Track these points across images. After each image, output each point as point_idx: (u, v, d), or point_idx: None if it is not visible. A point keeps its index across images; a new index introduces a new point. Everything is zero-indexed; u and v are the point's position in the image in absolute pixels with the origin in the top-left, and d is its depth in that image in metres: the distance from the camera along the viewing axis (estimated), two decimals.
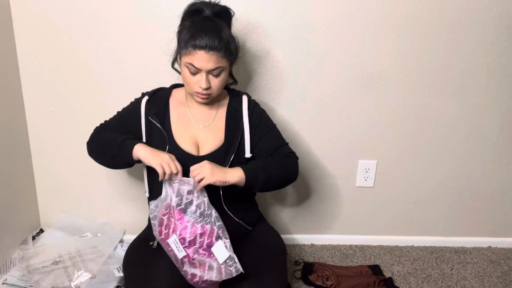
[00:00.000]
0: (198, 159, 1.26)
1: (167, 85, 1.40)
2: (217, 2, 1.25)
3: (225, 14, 1.24)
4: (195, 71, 1.18)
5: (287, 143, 1.36)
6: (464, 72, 1.67)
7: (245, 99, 1.34)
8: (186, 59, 1.18)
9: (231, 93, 1.37)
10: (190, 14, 1.23)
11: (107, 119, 1.37)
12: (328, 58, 1.62)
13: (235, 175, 1.17)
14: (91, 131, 1.69)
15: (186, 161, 1.25)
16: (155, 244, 1.24)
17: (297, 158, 1.34)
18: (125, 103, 1.61)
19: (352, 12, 1.57)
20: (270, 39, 1.59)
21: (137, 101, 1.33)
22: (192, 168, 1.16)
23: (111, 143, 1.24)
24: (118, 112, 1.37)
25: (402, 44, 1.62)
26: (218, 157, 1.26)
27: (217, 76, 1.20)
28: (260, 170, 1.21)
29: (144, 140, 1.29)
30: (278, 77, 1.64)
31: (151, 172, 1.30)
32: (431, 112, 1.72)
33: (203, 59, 1.15)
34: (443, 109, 1.72)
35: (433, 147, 1.77)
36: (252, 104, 1.35)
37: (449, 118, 1.73)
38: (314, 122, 1.71)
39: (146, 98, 1.31)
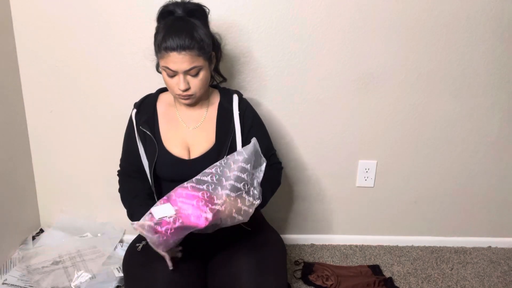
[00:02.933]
0: (189, 163, 1.25)
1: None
2: (189, 0, 1.21)
3: (199, 12, 1.20)
4: (172, 74, 1.16)
5: (275, 151, 1.38)
6: (464, 72, 1.67)
7: (235, 98, 1.31)
8: (162, 62, 1.16)
9: (221, 92, 1.35)
10: (164, 16, 1.20)
11: (121, 156, 1.38)
12: (328, 58, 1.62)
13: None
14: (91, 131, 1.71)
15: (178, 165, 1.25)
16: (140, 248, 1.23)
17: (282, 168, 1.39)
18: (125, 103, 1.61)
19: (352, 12, 1.57)
20: (270, 39, 1.59)
21: (130, 118, 1.32)
22: None
23: (127, 210, 1.29)
24: (123, 143, 1.36)
25: (402, 44, 1.62)
26: (210, 159, 1.24)
27: (195, 76, 1.17)
28: (269, 194, 1.27)
29: (141, 152, 1.29)
30: (278, 77, 1.64)
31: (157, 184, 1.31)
32: (431, 112, 1.72)
33: (176, 60, 1.13)
34: (443, 109, 1.72)
35: (433, 147, 1.77)
36: (244, 104, 1.33)
37: (449, 118, 1.73)
38: (314, 122, 1.71)
39: (134, 111, 1.30)
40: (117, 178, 1.39)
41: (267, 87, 1.65)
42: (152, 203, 1.20)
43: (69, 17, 1.53)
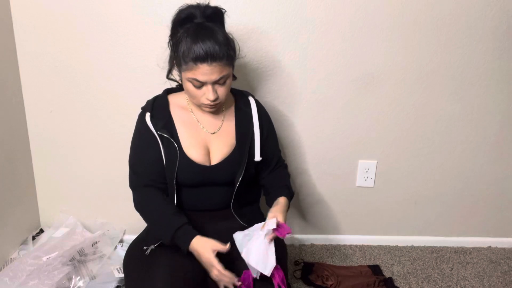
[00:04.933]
0: (210, 169, 1.24)
1: (167, 86, 1.37)
2: (207, 3, 1.17)
3: (218, 15, 1.18)
4: (200, 85, 1.13)
5: (280, 152, 1.43)
6: (464, 72, 1.67)
7: (252, 101, 1.32)
8: (188, 74, 1.12)
9: (234, 93, 1.34)
10: (182, 23, 1.16)
11: (131, 163, 1.26)
12: (328, 58, 1.62)
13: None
14: (91, 130, 1.70)
15: (199, 172, 1.23)
16: (148, 251, 1.21)
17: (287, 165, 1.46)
18: (125, 102, 1.61)
19: (352, 12, 1.57)
20: (270, 39, 1.59)
21: (142, 122, 1.23)
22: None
23: (162, 231, 1.18)
24: (132, 149, 1.26)
25: (402, 44, 1.62)
26: (232, 163, 1.24)
27: (223, 84, 1.16)
28: (293, 195, 1.35)
29: (163, 155, 1.21)
30: (278, 77, 1.64)
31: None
32: (431, 112, 1.72)
33: (206, 72, 1.10)
34: (443, 109, 1.72)
35: (433, 147, 1.77)
36: (260, 107, 1.34)
37: (449, 118, 1.73)
38: (314, 122, 1.71)
39: (148, 114, 1.22)
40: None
41: (267, 87, 1.65)
42: (180, 215, 1.20)
43: (69, 17, 1.53)
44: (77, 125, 1.67)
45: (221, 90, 1.17)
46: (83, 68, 1.59)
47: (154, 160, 1.23)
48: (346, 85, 1.66)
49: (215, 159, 1.25)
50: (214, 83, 1.14)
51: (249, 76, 1.63)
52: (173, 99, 1.29)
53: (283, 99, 1.67)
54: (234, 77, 1.35)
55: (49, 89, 1.62)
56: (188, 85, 1.15)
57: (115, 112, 1.65)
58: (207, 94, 1.14)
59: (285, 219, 1.20)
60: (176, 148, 1.20)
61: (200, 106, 1.21)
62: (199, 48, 1.08)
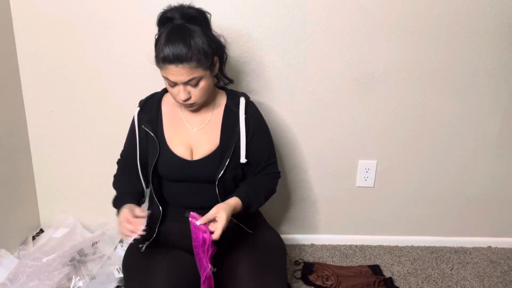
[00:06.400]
0: (192, 163, 1.25)
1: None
2: (189, 4, 1.17)
3: (201, 17, 1.17)
4: (172, 84, 1.16)
5: (276, 159, 1.38)
6: (464, 72, 1.67)
7: (242, 101, 1.30)
8: (161, 73, 1.16)
9: (228, 94, 1.34)
10: (163, 23, 1.18)
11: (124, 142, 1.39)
12: (328, 58, 1.62)
13: (235, 210, 1.20)
14: (91, 130, 1.70)
15: (180, 166, 1.25)
16: (143, 248, 1.24)
17: (279, 177, 1.39)
18: (125, 102, 1.62)
19: (352, 12, 1.57)
20: (270, 39, 1.59)
21: (134, 116, 1.32)
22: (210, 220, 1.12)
23: (114, 197, 1.33)
24: (127, 137, 1.38)
25: (402, 44, 1.62)
26: (213, 161, 1.25)
27: (195, 86, 1.17)
28: (255, 203, 1.27)
29: (137, 151, 1.31)
30: (278, 77, 1.64)
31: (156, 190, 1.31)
32: (431, 112, 1.72)
33: (174, 72, 1.12)
34: (443, 109, 1.72)
35: (433, 147, 1.77)
36: (250, 108, 1.31)
37: (449, 118, 1.73)
38: (314, 122, 1.71)
39: (137, 109, 1.30)
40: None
41: (267, 87, 1.65)
42: (138, 198, 1.32)
43: (69, 17, 1.54)
44: (77, 125, 1.67)
45: (195, 91, 1.18)
46: (83, 68, 1.60)
47: (133, 148, 1.32)
48: (346, 85, 1.66)
49: (197, 155, 1.27)
50: (186, 84, 1.15)
51: (249, 77, 1.63)
52: (168, 95, 1.34)
53: (283, 100, 1.67)
54: (230, 81, 1.36)
55: (49, 89, 1.62)
56: (165, 82, 1.20)
57: (115, 112, 1.65)
58: (179, 94, 1.17)
59: (225, 223, 1.11)
60: (156, 141, 1.26)
61: (179, 103, 1.24)
62: (168, 50, 1.11)
